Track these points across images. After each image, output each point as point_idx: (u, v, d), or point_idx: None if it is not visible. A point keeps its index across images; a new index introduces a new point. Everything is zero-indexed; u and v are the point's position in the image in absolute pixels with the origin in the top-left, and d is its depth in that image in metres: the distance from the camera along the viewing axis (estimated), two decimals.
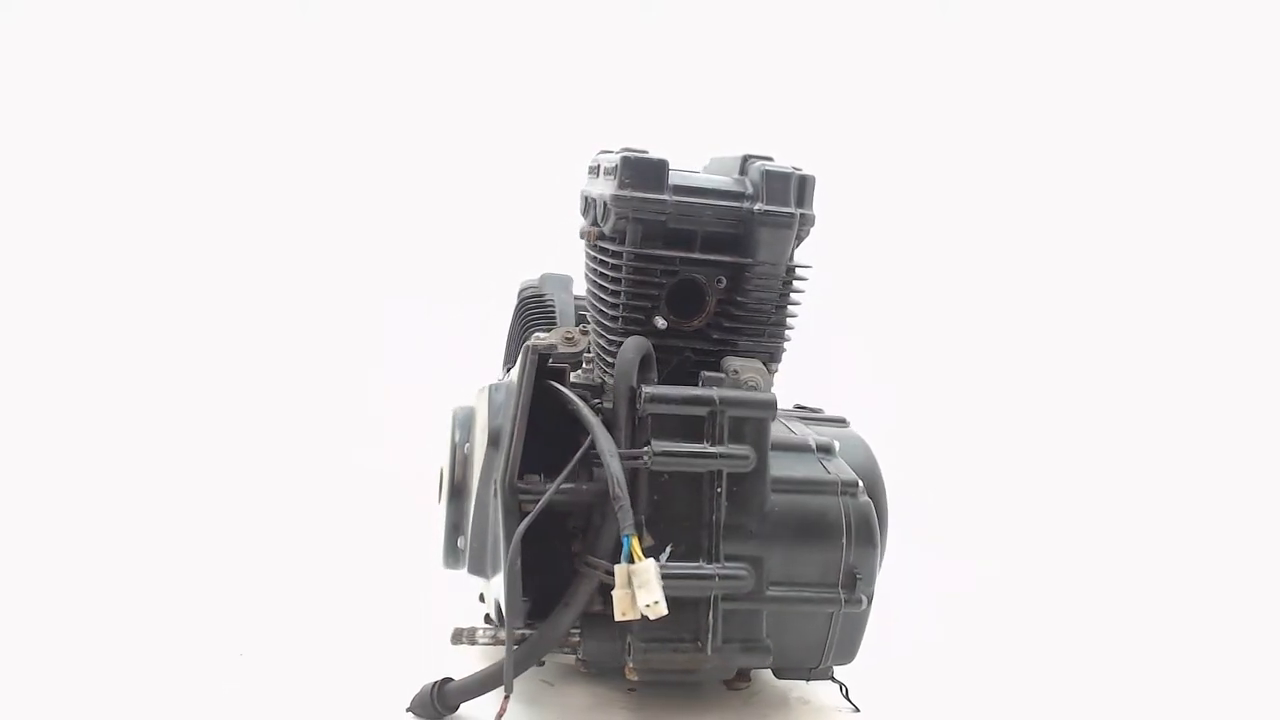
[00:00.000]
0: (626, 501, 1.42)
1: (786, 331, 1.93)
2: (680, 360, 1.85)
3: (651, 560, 1.39)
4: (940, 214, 3.81)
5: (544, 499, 1.47)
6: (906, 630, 2.14)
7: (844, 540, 1.60)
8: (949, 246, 3.78)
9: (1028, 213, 3.77)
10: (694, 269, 1.83)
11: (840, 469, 1.67)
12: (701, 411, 1.56)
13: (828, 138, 3.54)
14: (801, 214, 1.80)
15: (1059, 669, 2.03)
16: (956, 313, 3.72)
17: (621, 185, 1.75)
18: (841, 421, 1.98)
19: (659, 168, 1.76)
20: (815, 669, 1.70)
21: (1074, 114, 3.72)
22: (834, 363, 3.13)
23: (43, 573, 2.10)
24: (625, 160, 1.75)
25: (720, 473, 1.56)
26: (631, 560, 1.38)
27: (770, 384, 1.87)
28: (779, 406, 2.02)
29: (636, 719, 1.68)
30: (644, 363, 1.69)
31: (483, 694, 1.59)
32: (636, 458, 1.53)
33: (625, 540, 1.39)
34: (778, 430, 1.77)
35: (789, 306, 1.91)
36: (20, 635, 1.80)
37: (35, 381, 3.35)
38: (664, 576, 1.50)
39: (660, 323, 1.81)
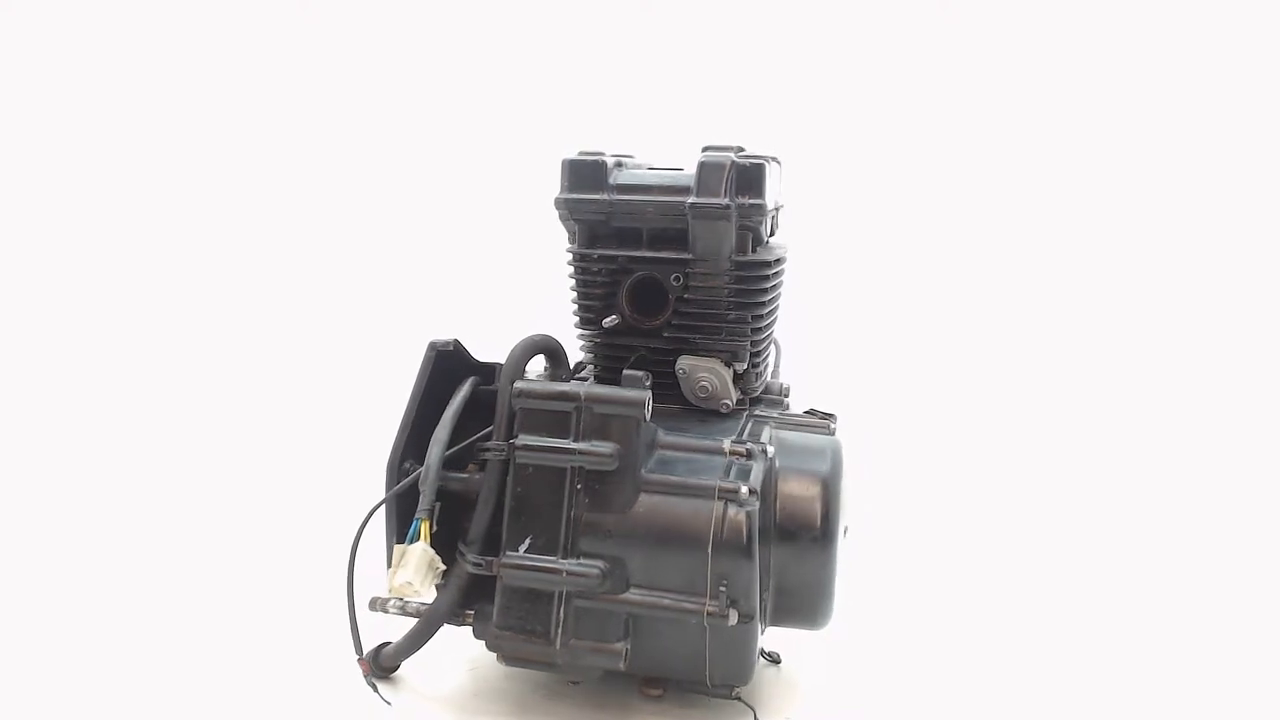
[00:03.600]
0: (429, 488, 1.50)
1: (754, 329, 1.82)
2: (637, 359, 1.84)
3: (420, 545, 1.45)
4: (951, 216, 3.66)
5: (405, 481, 1.59)
6: (902, 631, 2.06)
7: (710, 548, 1.50)
8: (961, 249, 3.64)
9: (1041, 217, 3.65)
10: (647, 266, 1.82)
11: (745, 476, 1.56)
12: (567, 408, 1.57)
13: (850, 140, 3.49)
14: (744, 204, 1.70)
15: (1053, 672, 1.91)
16: (962, 315, 3.61)
17: (562, 188, 1.81)
18: (824, 427, 1.81)
19: (596, 168, 1.79)
20: (716, 687, 1.61)
21: (1072, 113, 3.62)
22: (843, 363, 2.97)
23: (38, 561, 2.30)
24: (564, 163, 1.81)
25: (581, 469, 1.55)
26: (414, 541, 1.45)
27: (728, 384, 1.80)
28: (790, 408, 1.95)
29: (524, 704, 1.72)
30: (555, 359, 1.73)
31: (410, 654, 1.74)
32: (499, 450, 1.59)
33: (415, 522, 1.47)
34: (709, 432, 1.69)
35: (759, 303, 1.80)
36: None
37: (37, 372, 3.44)
38: (515, 567, 1.56)
39: (607, 321, 1.83)
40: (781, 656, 1.94)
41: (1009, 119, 3.58)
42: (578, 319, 1.89)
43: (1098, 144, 3.58)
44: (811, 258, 2.59)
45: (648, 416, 1.56)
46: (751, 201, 1.71)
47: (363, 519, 1.56)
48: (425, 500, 1.51)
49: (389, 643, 1.78)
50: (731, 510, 1.52)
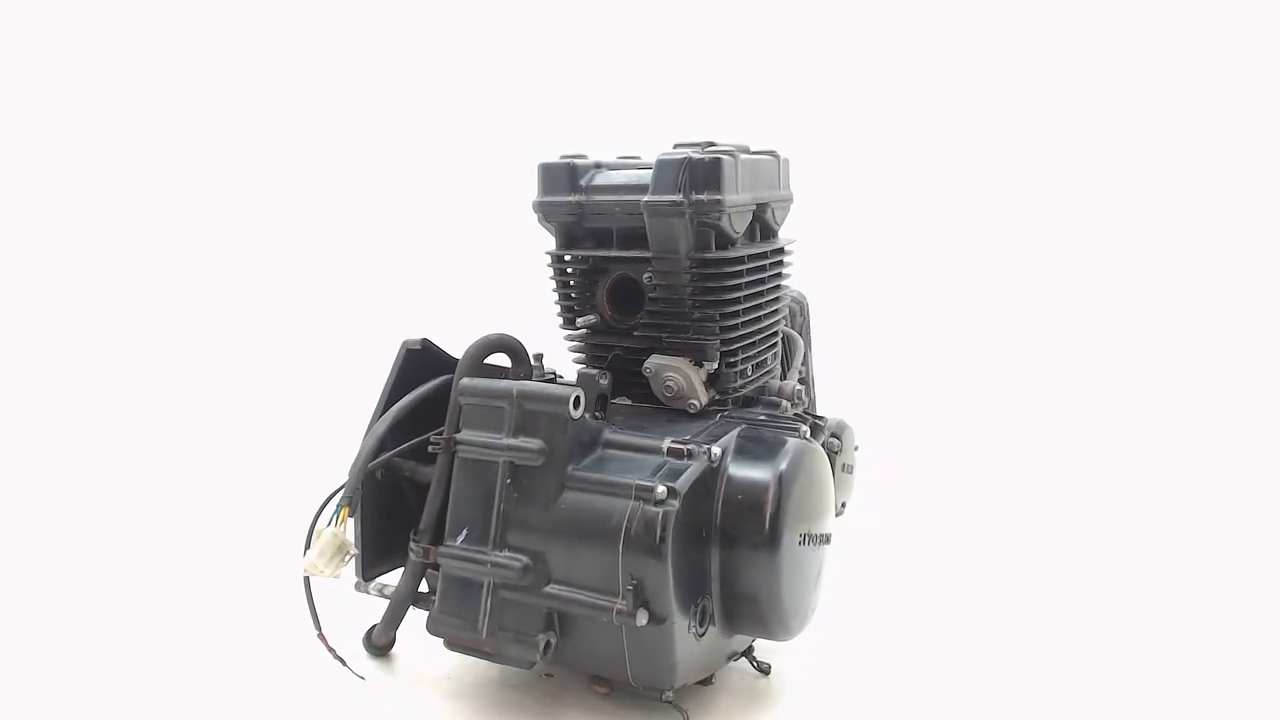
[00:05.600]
0: (354, 477, 1.59)
1: (724, 328, 1.78)
2: (613, 358, 1.86)
3: (330, 529, 1.53)
4: (978, 217, 3.65)
5: (357, 472, 1.70)
6: (898, 643, 1.97)
7: (620, 546, 1.50)
8: (968, 250, 3.63)
9: (1044, 219, 3.64)
10: (619, 266, 1.84)
11: (672, 476, 1.54)
12: (501, 404, 1.62)
13: (857, 143, 3.49)
14: (700, 200, 1.69)
15: (1051, 686, 1.82)
16: (963, 316, 3.60)
17: (537, 191, 1.87)
18: (794, 429, 1.75)
19: (567, 170, 1.83)
20: (644, 688, 1.60)
21: (1073, 114, 3.60)
22: (869, 367, 3.02)
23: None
24: (539, 166, 1.86)
25: (510, 464, 1.60)
26: (333, 524, 1.54)
27: (694, 384, 1.78)
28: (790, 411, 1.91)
29: (483, 690, 1.78)
30: (515, 357, 1.79)
31: (390, 633, 1.86)
32: (435, 442, 1.67)
33: (335, 508, 1.56)
34: (667, 432, 1.68)
35: (726, 300, 1.77)
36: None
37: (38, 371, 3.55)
38: (449, 556, 1.63)
39: (581, 321, 1.86)
40: (771, 666, 1.87)
41: (1042, 118, 3.58)
42: (561, 320, 1.92)
43: (1106, 140, 3.55)
44: (844, 259, 2.50)
45: (575, 414, 1.57)
46: (710, 197, 1.68)
47: (318, 506, 1.68)
48: (348, 488, 1.60)
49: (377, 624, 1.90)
50: (645, 510, 1.49)
